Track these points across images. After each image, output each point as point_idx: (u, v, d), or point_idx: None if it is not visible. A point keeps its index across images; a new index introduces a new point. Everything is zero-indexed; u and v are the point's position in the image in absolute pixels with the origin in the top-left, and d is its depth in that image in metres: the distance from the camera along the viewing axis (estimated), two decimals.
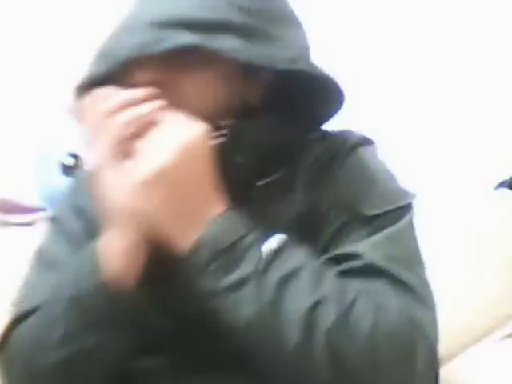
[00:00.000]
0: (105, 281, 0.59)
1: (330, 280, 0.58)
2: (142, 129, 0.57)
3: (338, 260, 0.62)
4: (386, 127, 1.42)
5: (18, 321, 0.65)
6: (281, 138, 0.68)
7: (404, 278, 0.61)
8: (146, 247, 0.60)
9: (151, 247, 0.60)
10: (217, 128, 0.61)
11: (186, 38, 0.57)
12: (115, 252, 0.59)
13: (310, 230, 0.65)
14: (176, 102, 0.59)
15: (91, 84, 0.61)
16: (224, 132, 0.61)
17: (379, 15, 1.62)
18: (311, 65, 0.64)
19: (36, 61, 1.48)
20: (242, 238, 0.57)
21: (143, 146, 0.57)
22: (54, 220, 0.75)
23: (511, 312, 1.61)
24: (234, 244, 0.57)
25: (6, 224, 1.30)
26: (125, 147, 0.57)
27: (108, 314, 0.59)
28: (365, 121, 1.02)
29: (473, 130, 1.68)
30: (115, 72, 0.60)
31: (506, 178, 1.61)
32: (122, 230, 0.59)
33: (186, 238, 0.57)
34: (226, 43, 0.58)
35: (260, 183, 0.67)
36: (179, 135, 0.56)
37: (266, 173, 0.67)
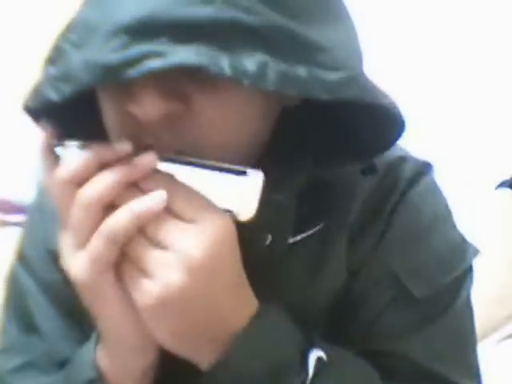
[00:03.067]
0: None
1: None
2: (142, 225, 0.39)
3: (377, 354, 0.51)
4: None
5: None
6: (318, 184, 0.50)
7: (457, 381, 0.52)
8: (159, 363, 0.48)
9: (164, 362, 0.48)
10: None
11: (181, 56, 0.36)
12: (122, 375, 0.48)
13: (347, 308, 0.52)
14: (199, 136, 0.41)
15: (47, 110, 0.43)
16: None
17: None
18: (365, 88, 0.41)
19: (35, 61, 1.48)
20: (277, 361, 0.44)
21: (146, 251, 0.40)
22: (24, 261, 0.59)
23: (511, 312, 1.61)
24: (265, 370, 0.43)
25: (6, 224, 1.30)
26: (119, 250, 0.40)
27: None
28: None
29: (473, 129, 1.68)
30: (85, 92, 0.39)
31: (507, 177, 1.61)
32: (130, 355, 0.46)
33: (205, 357, 0.44)
34: (241, 63, 0.36)
35: (291, 241, 0.50)
36: (202, 236, 0.39)
37: (301, 226, 0.50)
